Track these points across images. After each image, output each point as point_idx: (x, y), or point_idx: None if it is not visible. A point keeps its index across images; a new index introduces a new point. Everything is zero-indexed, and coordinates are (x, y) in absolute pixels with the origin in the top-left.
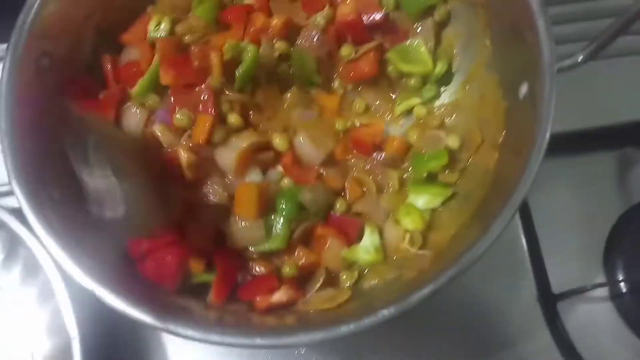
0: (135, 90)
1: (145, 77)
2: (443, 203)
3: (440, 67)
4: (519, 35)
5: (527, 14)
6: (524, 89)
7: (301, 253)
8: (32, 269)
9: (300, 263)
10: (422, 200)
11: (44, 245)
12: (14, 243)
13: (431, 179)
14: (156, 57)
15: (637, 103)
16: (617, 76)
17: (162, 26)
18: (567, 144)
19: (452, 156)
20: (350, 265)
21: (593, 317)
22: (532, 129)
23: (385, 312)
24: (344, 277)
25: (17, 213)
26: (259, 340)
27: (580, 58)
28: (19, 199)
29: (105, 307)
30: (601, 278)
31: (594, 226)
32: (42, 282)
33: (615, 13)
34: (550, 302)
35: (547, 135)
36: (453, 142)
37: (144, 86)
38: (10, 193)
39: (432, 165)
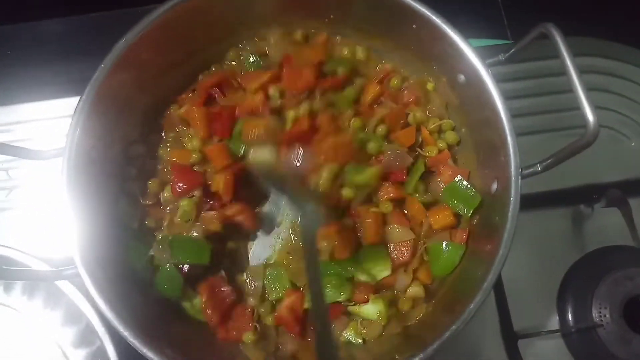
0: None
1: None
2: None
3: None
4: (493, 145)
5: (499, 134)
6: (494, 185)
7: None
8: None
9: None
10: None
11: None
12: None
13: None
14: None
15: (587, 169)
16: None
17: None
18: (530, 203)
19: None
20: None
21: (547, 351)
22: (501, 220)
23: None
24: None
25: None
26: None
27: (539, 168)
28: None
29: None
30: (555, 318)
31: (551, 273)
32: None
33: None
34: (511, 339)
35: (514, 229)
36: None
37: None
38: None
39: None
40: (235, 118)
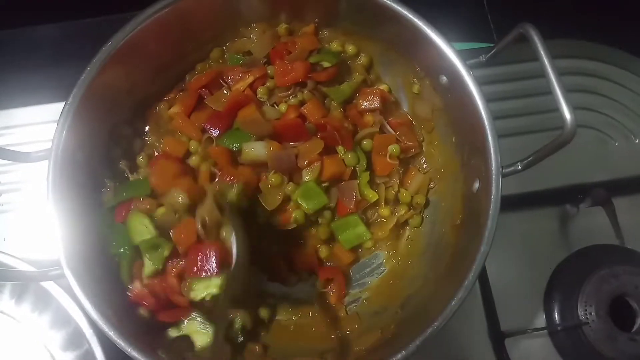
0: None
1: None
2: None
3: None
4: (474, 145)
5: (481, 134)
6: (476, 184)
7: None
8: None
9: None
10: None
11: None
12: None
13: None
14: None
15: (572, 170)
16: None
17: None
18: (517, 203)
19: None
20: None
21: (534, 349)
22: (483, 219)
23: None
24: None
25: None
26: None
27: (519, 167)
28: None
29: None
30: (541, 317)
31: (538, 273)
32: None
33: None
34: (499, 338)
35: (494, 227)
36: None
37: None
38: None
39: None
40: (236, 114)
